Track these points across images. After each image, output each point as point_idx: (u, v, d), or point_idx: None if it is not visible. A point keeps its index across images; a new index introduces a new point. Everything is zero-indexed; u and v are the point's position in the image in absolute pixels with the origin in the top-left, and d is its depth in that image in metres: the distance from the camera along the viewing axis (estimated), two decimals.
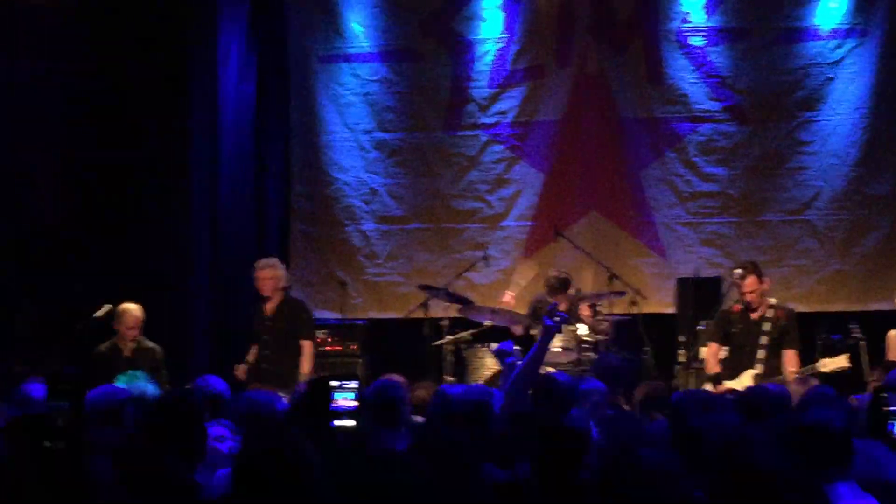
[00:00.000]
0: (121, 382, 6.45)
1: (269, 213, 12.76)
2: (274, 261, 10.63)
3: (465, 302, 11.02)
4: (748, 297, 9.60)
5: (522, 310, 11.24)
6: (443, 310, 11.18)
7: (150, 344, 9.99)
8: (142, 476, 4.34)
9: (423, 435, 5.17)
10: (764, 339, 9.54)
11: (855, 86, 12.01)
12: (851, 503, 4.19)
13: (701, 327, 10.67)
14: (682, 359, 10.89)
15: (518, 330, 11.03)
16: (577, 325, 10.65)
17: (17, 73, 10.98)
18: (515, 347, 6.95)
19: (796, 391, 6.46)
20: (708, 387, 9.57)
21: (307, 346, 10.31)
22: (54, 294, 10.98)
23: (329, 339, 11.62)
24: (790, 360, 9.44)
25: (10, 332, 10.87)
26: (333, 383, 5.14)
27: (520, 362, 6.74)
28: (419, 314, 11.29)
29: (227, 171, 12.30)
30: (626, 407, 7.36)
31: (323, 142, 12.78)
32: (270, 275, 10.36)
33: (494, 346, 6.74)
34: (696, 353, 10.31)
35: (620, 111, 12.43)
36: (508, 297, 11.21)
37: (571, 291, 10.96)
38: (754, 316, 9.66)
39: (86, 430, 4.11)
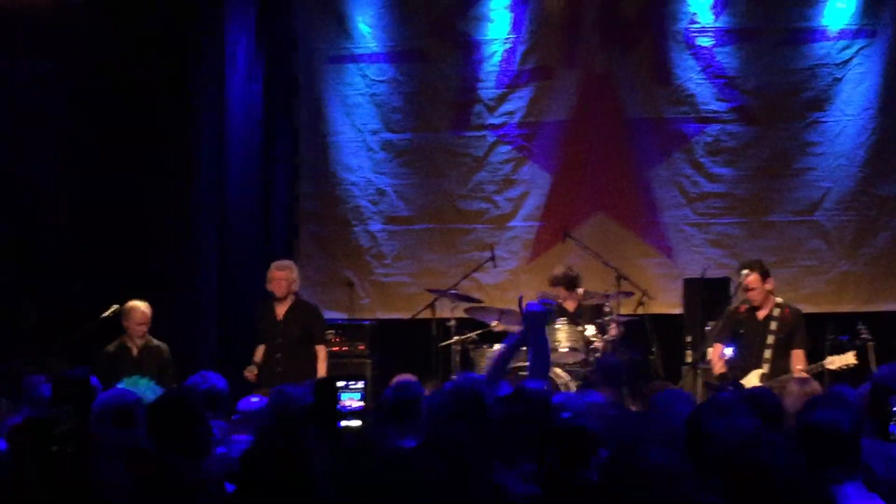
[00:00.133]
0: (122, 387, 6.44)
1: (276, 213, 12.76)
2: (290, 263, 10.68)
3: (472, 303, 11.03)
4: (749, 295, 9.58)
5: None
6: (450, 310, 11.18)
7: (158, 342, 10.01)
8: (148, 477, 4.35)
9: (431, 433, 5.17)
10: (770, 339, 9.52)
11: (863, 86, 11.99)
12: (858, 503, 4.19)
13: (708, 328, 10.66)
14: (689, 359, 10.88)
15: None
16: (586, 326, 10.65)
17: (21, 73, 10.99)
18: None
19: (797, 391, 6.45)
20: None
21: (322, 350, 10.36)
22: (59, 294, 10.99)
23: (336, 340, 11.62)
24: (798, 360, 9.42)
25: (12, 331, 10.87)
26: (340, 383, 5.15)
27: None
28: (427, 315, 11.30)
29: (235, 171, 12.31)
30: (632, 407, 7.36)
31: (330, 142, 12.79)
32: (286, 276, 10.37)
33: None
34: (704, 353, 10.30)
35: (628, 112, 12.43)
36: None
37: (580, 291, 10.97)
38: (761, 315, 9.64)
39: (92, 434, 4.10)
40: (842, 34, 12.04)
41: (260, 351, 10.38)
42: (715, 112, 12.29)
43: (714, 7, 12.25)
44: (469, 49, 12.63)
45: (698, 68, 12.29)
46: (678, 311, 11.79)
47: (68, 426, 3.99)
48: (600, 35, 12.45)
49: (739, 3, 12.23)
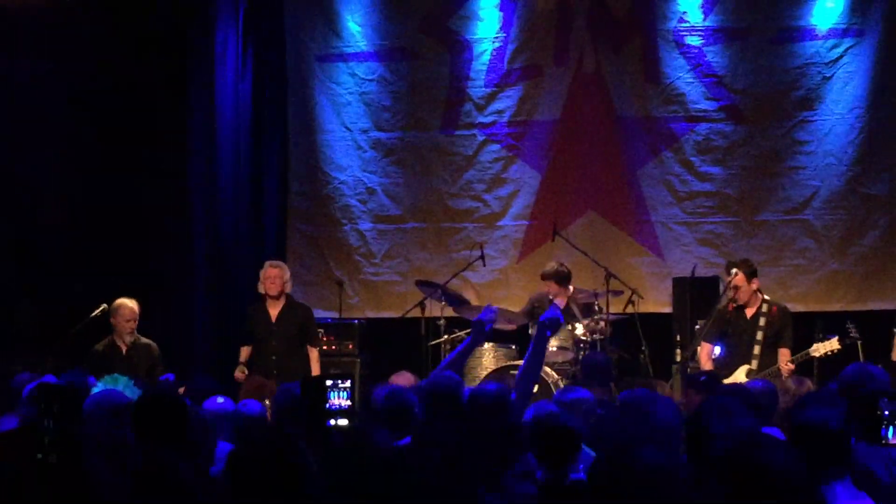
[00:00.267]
0: (101, 386, 6.41)
1: (266, 212, 12.75)
2: (281, 262, 10.68)
3: (461, 301, 11.02)
4: (736, 294, 9.62)
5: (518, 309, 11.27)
6: (440, 309, 11.18)
7: (147, 341, 10.00)
8: (144, 476, 4.34)
9: (422, 433, 5.17)
10: (759, 336, 9.57)
11: (852, 85, 12.01)
12: (847, 503, 4.18)
13: (698, 327, 10.66)
14: (678, 358, 10.89)
15: (511, 326, 11.03)
16: (575, 325, 10.65)
17: (17, 73, 10.98)
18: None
19: (791, 389, 6.46)
20: None
21: (315, 352, 10.39)
22: (54, 294, 10.98)
23: (326, 339, 11.61)
24: (785, 358, 9.47)
25: (9, 331, 10.86)
26: (328, 382, 5.14)
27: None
28: (416, 313, 11.30)
29: (225, 170, 12.32)
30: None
31: (320, 141, 12.78)
32: (280, 275, 10.38)
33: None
34: (694, 352, 10.32)
35: (617, 110, 12.44)
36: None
37: (571, 288, 10.98)
38: (748, 314, 9.68)
39: (80, 440, 4.08)
40: (830, 33, 12.06)
41: (245, 352, 10.36)
42: (704, 111, 12.30)
43: (703, 6, 12.26)
44: (458, 48, 12.62)
45: (688, 67, 12.30)
46: (668, 309, 11.81)
47: (54, 435, 3.97)
48: (590, 34, 12.45)
49: (729, 2, 12.24)
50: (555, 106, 12.50)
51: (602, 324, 10.72)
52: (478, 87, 12.59)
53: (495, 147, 12.62)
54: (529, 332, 10.90)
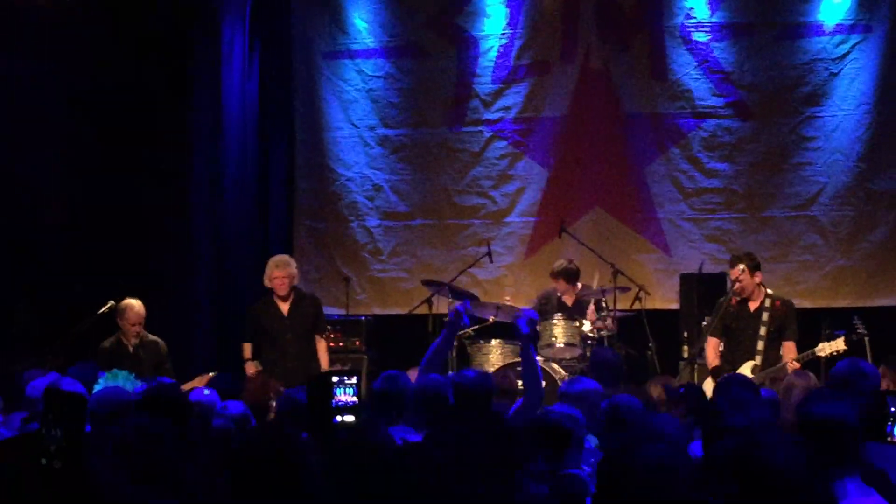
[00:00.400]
0: (102, 383, 6.42)
1: (273, 209, 12.76)
2: (288, 258, 10.61)
3: (468, 297, 11.02)
4: (738, 287, 9.60)
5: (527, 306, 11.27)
6: (447, 305, 11.16)
7: (154, 338, 10.00)
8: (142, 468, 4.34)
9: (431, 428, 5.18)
10: (762, 330, 9.55)
11: (859, 82, 12.00)
12: (858, 500, 4.17)
13: (705, 323, 10.66)
14: (686, 355, 10.90)
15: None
16: (582, 321, 10.65)
17: (19, 73, 10.97)
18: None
19: (796, 384, 6.45)
20: (708, 381, 9.59)
21: (324, 343, 10.39)
22: (54, 294, 10.98)
23: (333, 335, 11.62)
24: (789, 352, 9.45)
25: (9, 332, 10.87)
26: (334, 379, 5.14)
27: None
28: (423, 310, 11.29)
29: (231, 168, 12.31)
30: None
31: (327, 138, 12.79)
32: (288, 273, 10.29)
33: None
34: (701, 348, 10.32)
35: (624, 107, 12.44)
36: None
37: (579, 286, 10.98)
38: (752, 307, 9.67)
39: (85, 445, 4.07)
40: (838, 29, 12.06)
41: (249, 348, 10.31)
42: (711, 107, 12.30)
43: (710, 2, 12.25)
44: (465, 44, 12.62)
45: (695, 63, 12.29)
46: (675, 306, 11.81)
47: (59, 442, 3.97)
48: (597, 30, 12.45)
49: None
50: (562, 102, 12.50)
51: (609, 321, 10.71)
52: (485, 83, 12.60)
53: (502, 143, 12.62)
54: (536, 328, 10.90)
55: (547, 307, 10.98)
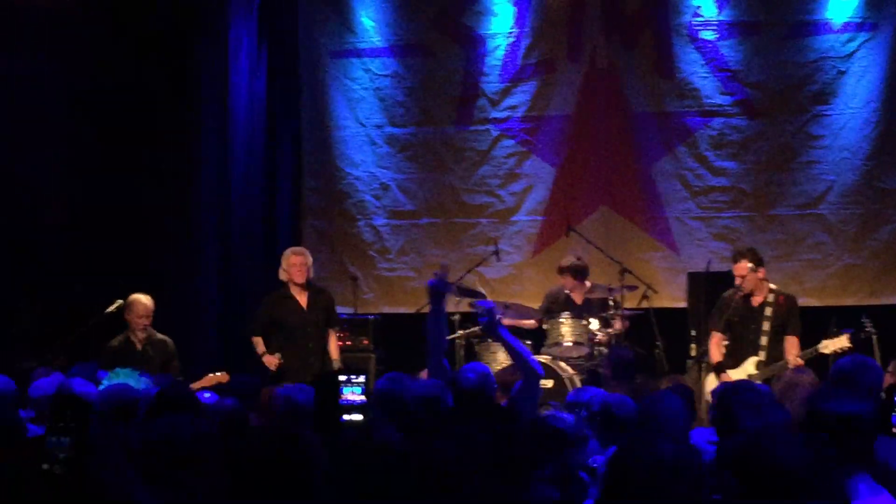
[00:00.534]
0: (106, 383, 6.42)
1: (280, 208, 12.76)
2: (304, 249, 10.59)
3: (476, 295, 11.00)
4: (741, 282, 9.62)
5: (536, 305, 11.27)
6: (454, 304, 11.16)
7: (162, 336, 10.01)
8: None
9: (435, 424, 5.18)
10: (766, 326, 9.58)
11: (867, 80, 11.98)
12: (868, 499, 4.15)
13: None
14: (693, 353, 10.89)
15: (530, 324, 11.04)
16: (590, 320, 10.65)
17: (19, 73, 10.98)
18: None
19: (799, 381, 6.45)
20: (712, 376, 9.62)
21: (335, 336, 10.40)
22: (59, 294, 10.99)
23: (341, 334, 11.61)
24: (792, 347, 9.48)
25: (9, 332, 10.88)
26: (341, 378, 5.15)
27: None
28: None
29: (238, 166, 12.32)
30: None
31: (334, 137, 12.79)
32: (305, 261, 10.28)
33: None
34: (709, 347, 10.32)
35: (631, 106, 12.42)
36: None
37: (588, 284, 10.98)
38: (755, 302, 9.69)
39: (90, 451, 4.07)
40: (845, 27, 12.04)
41: (262, 342, 10.27)
42: (719, 106, 12.28)
43: (717, 1, 12.24)
44: (472, 43, 12.62)
45: (702, 62, 12.28)
46: (682, 304, 11.80)
47: (67, 451, 3.96)
48: (604, 29, 12.44)
49: None
50: (569, 101, 12.49)
51: (617, 320, 10.70)
52: (492, 82, 12.59)
53: (509, 142, 12.61)
54: (543, 326, 10.91)
55: (554, 306, 10.98)
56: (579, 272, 10.92)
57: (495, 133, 12.62)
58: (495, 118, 12.61)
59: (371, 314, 12.25)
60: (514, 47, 12.53)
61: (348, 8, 12.75)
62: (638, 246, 12.34)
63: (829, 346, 9.24)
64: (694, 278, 11.65)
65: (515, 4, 12.52)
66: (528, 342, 11.04)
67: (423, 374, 7.50)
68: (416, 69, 12.74)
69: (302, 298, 10.25)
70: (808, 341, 9.50)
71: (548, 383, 10.21)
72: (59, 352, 9.55)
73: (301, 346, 10.16)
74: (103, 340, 9.88)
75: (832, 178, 12.10)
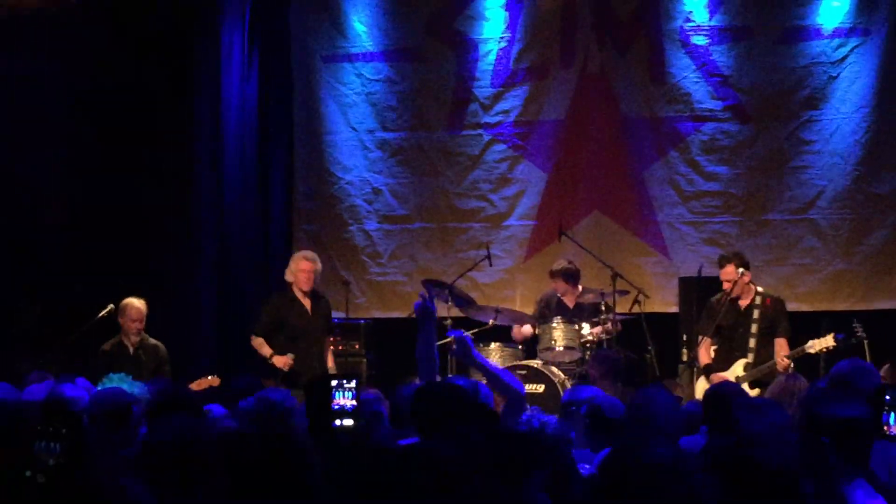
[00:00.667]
0: (101, 386, 6.40)
1: (272, 212, 12.75)
2: (314, 254, 10.51)
3: (467, 302, 11.01)
4: (728, 286, 9.67)
5: (527, 309, 11.28)
6: (446, 309, 11.15)
7: (155, 342, 10.01)
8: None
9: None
10: (754, 328, 9.63)
11: (858, 85, 12.00)
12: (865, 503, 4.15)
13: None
14: (685, 358, 10.91)
15: (528, 330, 11.00)
16: (582, 325, 10.65)
17: (22, 72, 10.99)
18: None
19: (794, 387, 6.45)
20: (702, 380, 9.64)
21: (330, 343, 10.42)
22: (59, 294, 11.00)
23: (333, 339, 11.60)
24: (782, 349, 9.52)
25: (10, 332, 10.88)
26: (333, 383, 5.14)
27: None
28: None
29: (231, 170, 12.32)
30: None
31: (326, 141, 12.79)
32: (315, 268, 10.23)
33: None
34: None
35: (623, 110, 12.44)
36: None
37: (580, 288, 10.98)
38: (742, 305, 9.74)
39: (83, 465, 4.04)
40: (836, 32, 12.06)
41: (265, 343, 10.20)
42: (710, 111, 12.30)
43: (709, 5, 12.25)
44: (464, 48, 12.62)
45: (694, 67, 12.30)
46: (674, 309, 11.82)
47: (57, 458, 3.94)
48: (595, 34, 12.45)
49: (734, 1, 12.23)
50: (561, 106, 12.50)
51: (609, 324, 10.70)
52: (484, 87, 12.60)
53: (501, 147, 12.62)
54: (535, 331, 10.91)
55: (546, 310, 10.99)
56: (571, 276, 10.93)
57: (487, 138, 12.62)
58: (487, 123, 12.61)
59: (363, 319, 12.25)
60: (505, 52, 12.54)
61: (340, 13, 12.75)
62: (630, 251, 12.35)
63: (816, 345, 9.30)
64: (685, 283, 11.67)
65: (507, 9, 12.53)
66: (519, 346, 11.08)
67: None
68: (407, 74, 12.74)
69: (307, 303, 10.23)
70: (799, 345, 9.53)
71: (539, 388, 10.23)
72: (55, 356, 9.55)
73: (304, 349, 10.14)
74: (99, 344, 9.89)
75: (823, 183, 12.12)
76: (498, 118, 12.58)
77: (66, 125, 11.30)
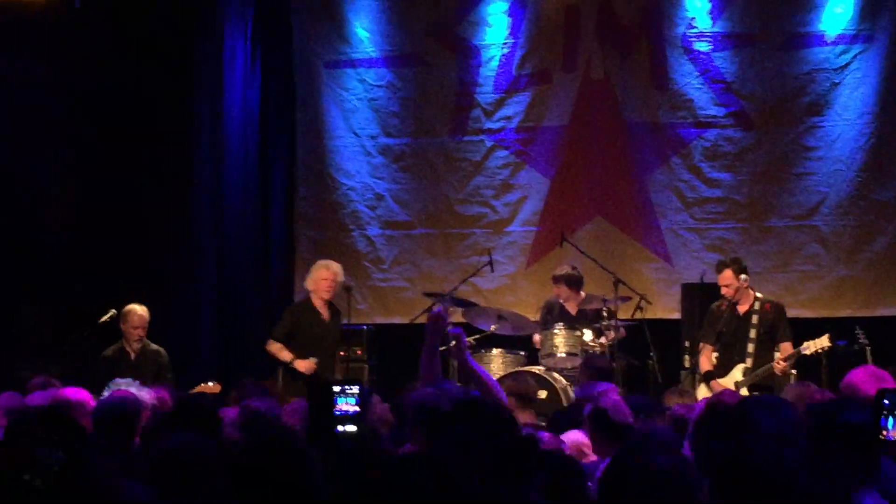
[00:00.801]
0: (108, 391, 6.38)
1: (274, 217, 12.75)
2: (336, 264, 10.54)
3: (468, 305, 11.00)
4: (725, 292, 9.70)
5: (530, 315, 11.26)
6: (448, 315, 11.12)
7: (156, 347, 10.02)
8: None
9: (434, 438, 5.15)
10: (752, 333, 9.67)
11: (860, 91, 12.00)
12: None
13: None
14: (687, 364, 10.89)
15: (536, 338, 10.95)
16: (584, 331, 10.63)
17: (22, 72, 10.99)
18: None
19: (795, 394, 6.44)
20: (702, 386, 9.65)
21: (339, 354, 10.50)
22: (59, 294, 10.99)
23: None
24: (786, 353, 9.53)
25: (10, 333, 10.87)
26: (336, 388, 5.12)
27: None
28: (425, 319, 11.23)
29: (233, 175, 12.32)
30: None
31: (328, 147, 12.79)
32: (334, 278, 10.27)
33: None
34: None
35: (626, 117, 12.43)
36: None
37: (582, 294, 10.97)
38: (741, 310, 9.76)
39: (85, 471, 4.03)
40: (839, 39, 12.05)
41: (284, 348, 10.22)
42: (713, 117, 12.29)
43: (712, 12, 12.25)
44: (467, 54, 12.63)
45: (696, 73, 12.30)
46: (676, 315, 11.80)
47: (60, 464, 3.93)
48: (598, 40, 12.45)
49: (737, 8, 12.24)
50: (563, 112, 12.50)
51: (612, 331, 10.67)
52: (486, 92, 12.60)
53: (503, 153, 12.61)
54: (536, 337, 10.89)
55: (549, 317, 10.98)
56: (574, 282, 10.91)
57: (489, 143, 12.62)
58: (490, 129, 12.61)
59: (365, 324, 12.23)
60: (508, 58, 12.54)
61: (343, 18, 12.76)
62: (632, 257, 12.35)
63: (811, 346, 9.33)
64: (688, 289, 11.65)
65: (510, 15, 12.53)
66: (521, 352, 11.06)
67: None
68: (410, 80, 12.75)
69: (325, 312, 10.30)
70: (795, 340, 9.57)
71: (542, 394, 10.20)
72: (56, 359, 9.55)
73: (320, 356, 10.20)
74: (101, 349, 9.89)
75: (826, 190, 12.11)
76: (500, 124, 12.58)
77: (66, 126, 11.30)
